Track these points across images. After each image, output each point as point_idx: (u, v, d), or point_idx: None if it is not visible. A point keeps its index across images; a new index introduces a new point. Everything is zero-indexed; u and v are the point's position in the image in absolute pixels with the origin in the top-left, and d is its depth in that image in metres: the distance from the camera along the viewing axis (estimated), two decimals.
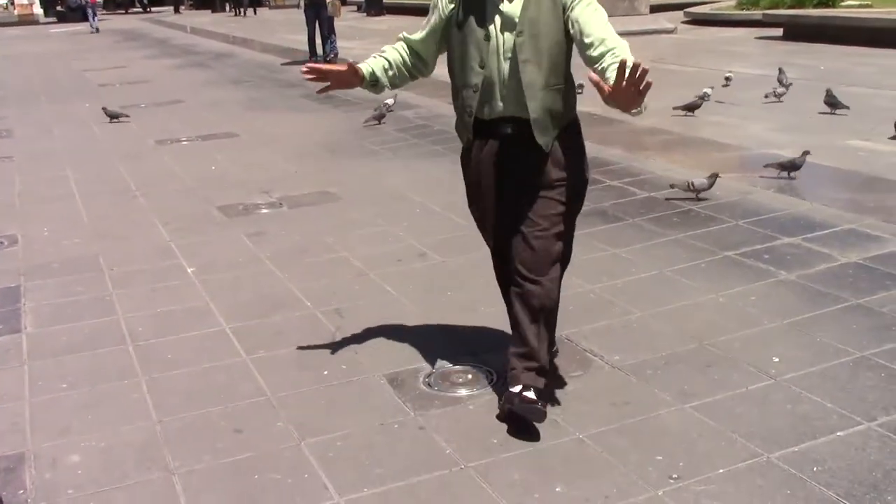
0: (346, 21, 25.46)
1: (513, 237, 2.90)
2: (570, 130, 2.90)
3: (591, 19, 2.63)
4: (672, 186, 5.44)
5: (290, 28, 24.30)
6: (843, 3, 18.40)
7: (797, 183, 5.75)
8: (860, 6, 18.26)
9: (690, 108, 8.25)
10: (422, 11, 20.38)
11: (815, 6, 17.77)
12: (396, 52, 3.02)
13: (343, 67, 2.94)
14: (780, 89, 9.05)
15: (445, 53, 2.95)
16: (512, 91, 2.75)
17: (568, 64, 2.81)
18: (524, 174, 2.85)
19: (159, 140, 8.61)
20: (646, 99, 2.38)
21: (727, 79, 10.10)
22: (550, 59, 2.72)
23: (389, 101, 9.09)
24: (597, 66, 2.55)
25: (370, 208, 5.78)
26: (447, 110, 9.26)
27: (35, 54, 21.16)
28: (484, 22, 2.73)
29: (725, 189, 5.64)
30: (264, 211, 5.89)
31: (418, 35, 2.97)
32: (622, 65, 2.27)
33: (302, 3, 15.50)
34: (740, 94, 9.59)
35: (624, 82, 2.28)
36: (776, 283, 4.08)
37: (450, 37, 2.86)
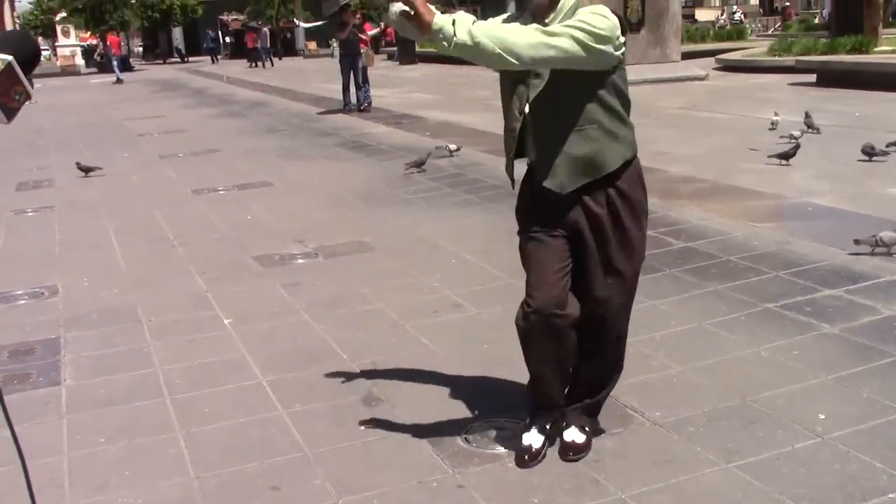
0: (379, 70, 25.84)
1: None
2: (613, 180, 2.83)
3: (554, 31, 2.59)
4: (857, 242, 5.13)
5: (324, 77, 24.67)
6: (875, 49, 18.35)
7: (837, 233, 5.67)
8: (893, 52, 18.19)
9: (786, 156, 7.91)
10: (453, 60, 20.75)
11: (848, 52, 17.74)
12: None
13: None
14: (796, 132, 9.05)
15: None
16: (538, 134, 2.80)
17: (596, 104, 2.71)
18: (580, 220, 2.83)
19: (196, 189, 8.72)
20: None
21: (773, 123, 10.00)
22: (566, 101, 2.71)
23: (453, 146, 9.20)
24: None
25: (405, 258, 5.79)
26: (481, 158, 9.33)
27: (76, 104, 21.66)
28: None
29: (763, 239, 5.58)
30: (300, 261, 5.92)
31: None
32: None
33: (337, 54, 15.78)
34: (777, 140, 9.52)
35: None
36: (819, 336, 4.01)
37: (500, 78, 2.91)
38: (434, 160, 9.47)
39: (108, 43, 38.30)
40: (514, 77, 2.78)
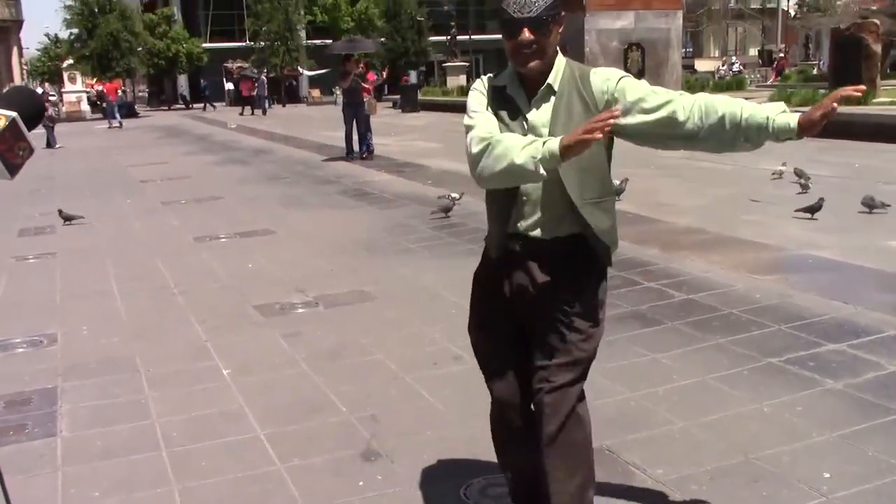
0: (382, 117, 26.04)
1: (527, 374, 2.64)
2: (597, 256, 2.61)
3: (648, 92, 2.47)
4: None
5: (327, 124, 24.88)
6: (874, 101, 18.49)
7: (840, 286, 5.67)
8: (892, 103, 18.34)
9: (811, 210, 7.79)
10: (455, 108, 21.36)
11: (847, 103, 17.85)
12: None
13: None
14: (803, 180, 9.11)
15: None
16: (542, 207, 2.52)
17: (607, 175, 2.61)
18: (547, 299, 2.58)
19: (198, 237, 8.74)
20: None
21: (777, 173, 10.01)
22: (583, 170, 2.48)
23: (455, 195, 9.18)
24: (717, 125, 2.43)
25: (406, 308, 5.77)
26: (483, 208, 9.34)
27: (81, 150, 21.83)
28: (513, 130, 2.49)
29: (765, 292, 5.56)
30: (300, 310, 5.90)
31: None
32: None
33: (340, 101, 15.96)
34: (776, 191, 9.57)
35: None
36: (823, 392, 3.97)
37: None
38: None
39: (105, 89, 38.70)
40: None
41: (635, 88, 2.48)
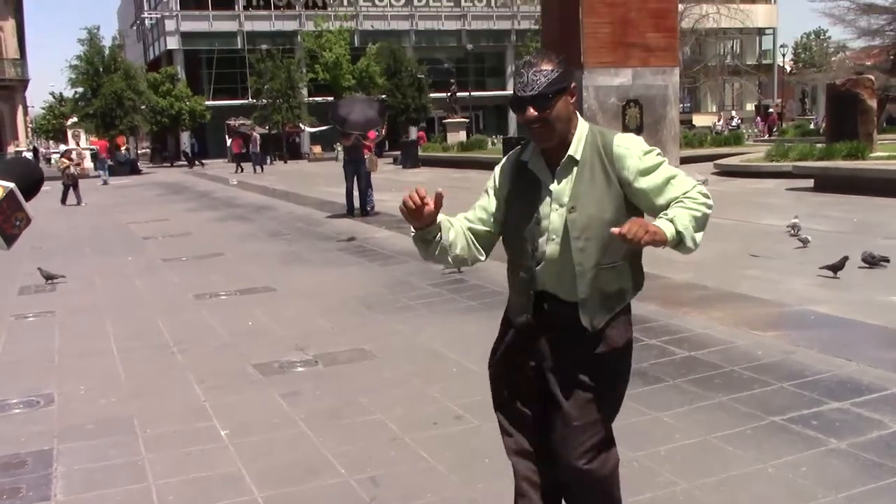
0: (383, 174, 26.16)
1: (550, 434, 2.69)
2: (618, 316, 2.65)
3: (653, 188, 2.55)
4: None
5: (328, 181, 25.06)
6: (871, 155, 18.65)
7: (841, 343, 5.64)
8: (889, 158, 18.48)
9: (834, 268, 7.64)
10: (455, 164, 21.48)
11: (844, 158, 18.02)
12: (460, 223, 2.76)
13: (431, 204, 2.54)
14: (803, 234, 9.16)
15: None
16: (564, 272, 2.58)
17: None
18: (568, 364, 2.63)
19: (198, 294, 8.73)
20: (689, 238, 2.45)
21: (794, 227, 9.99)
22: (602, 238, 2.52)
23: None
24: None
25: (405, 367, 5.74)
26: (483, 264, 9.35)
27: (84, 207, 21.92)
28: (535, 203, 2.59)
29: (767, 348, 5.54)
30: (300, 369, 5.87)
31: (469, 216, 2.78)
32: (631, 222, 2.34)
33: (341, 158, 16.09)
34: (776, 246, 9.59)
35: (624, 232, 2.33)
36: (827, 451, 3.93)
37: (506, 217, 2.70)
38: (436, 266, 9.53)
39: (98, 147, 38.96)
40: (525, 212, 2.62)
41: (656, 175, 2.56)
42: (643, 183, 2.55)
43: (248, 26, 59.98)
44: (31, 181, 1.88)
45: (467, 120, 47.25)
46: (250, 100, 54.46)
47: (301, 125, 53.98)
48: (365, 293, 8.34)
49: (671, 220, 2.46)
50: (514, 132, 52.58)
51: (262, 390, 5.41)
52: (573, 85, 2.57)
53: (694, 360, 5.42)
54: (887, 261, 7.93)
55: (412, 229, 2.59)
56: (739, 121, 54.16)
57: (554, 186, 2.58)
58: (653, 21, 18.30)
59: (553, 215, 2.57)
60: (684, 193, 2.54)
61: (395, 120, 52.09)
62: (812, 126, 39.80)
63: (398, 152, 36.08)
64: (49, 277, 9.76)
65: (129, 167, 43.09)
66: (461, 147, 36.44)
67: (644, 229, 2.34)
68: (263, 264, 10.56)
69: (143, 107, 49.53)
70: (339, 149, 41.09)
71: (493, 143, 40.29)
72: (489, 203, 2.74)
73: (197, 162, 47.57)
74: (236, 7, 60.10)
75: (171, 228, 15.37)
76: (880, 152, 19.34)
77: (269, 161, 46.37)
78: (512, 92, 2.55)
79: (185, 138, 56.83)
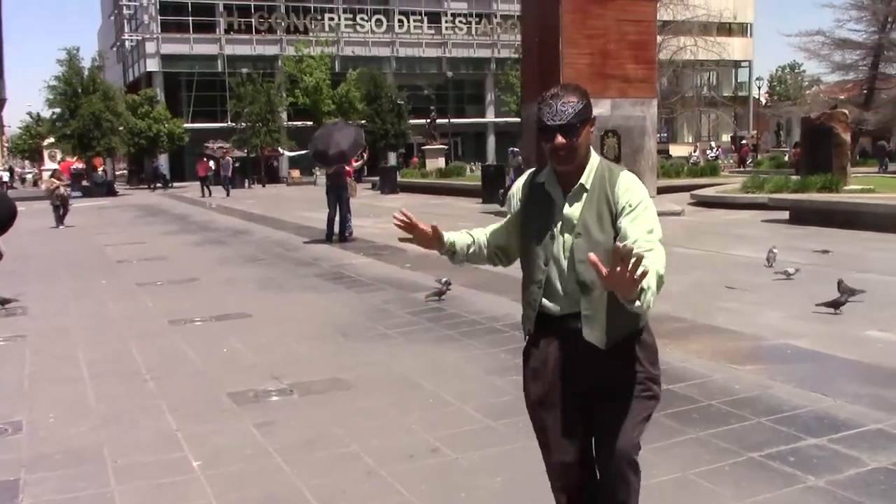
0: (361, 199, 26.14)
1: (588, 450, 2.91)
2: (637, 336, 2.84)
3: (633, 225, 2.68)
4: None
5: (306, 205, 25.00)
6: (844, 188, 18.90)
7: (818, 377, 5.66)
8: (862, 191, 18.73)
9: (836, 304, 7.57)
10: (433, 190, 21.52)
11: (819, 190, 18.24)
12: (483, 236, 3.15)
13: (428, 228, 3.01)
14: (791, 269, 9.19)
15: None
16: (574, 290, 2.79)
17: None
18: (595, 378, 2.83)
19: (173, 320, 8.62)
20: (649, 297, 2.44)
21: (771, 257, 10.11)
22: (607, 261, 2.50)
23: (445, 279, 9.22)
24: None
25: (382, 397, 5.68)
26: (460, 293, 9.31)
27: (58, 229, 21.67)
28: (548, 223, 2.83)
29: (744, 382, 5.54)
30: (274, 398, 5.79)
31: (493, 227, 3.15)
32: (616, 249, 2.34)
33: (320, 182, 16.06)
34: (752, 278, 9.64)
35: (618, 267, 2.31)
36: (805, 489, 3.91)
37: (521, 234, 2.96)
38: (413, 293, 9.50)
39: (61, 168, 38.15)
40: (538, 231, 2.85)
41: (642, 223, 2.68)
42: (625, 217, 2.72)
43: (229, 50, 60.06)
44: (2, 218, 1.84)
45: (446, 147, 47.40)
46: (229, 123, 54.36)
47: (280, 149, 53.92)
48: (342, 321, 8.28)
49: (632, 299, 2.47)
50: (493, 160, 52.84)
51: (236, 420, 5.33)
52: (594, 117, 2.81)
53: (671, 394, 5.39)
54: (861, 292, 7.96)
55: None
56: (719, 151, 54.68)
57: (566, 210, 2.81)
58: (632, 53, 18.52)
59: (564, 236, 2.81)
60: (650, 250, 2.55)
61: (374, 146, 52.17)
62: (787, 158, 40.26)
63: (377, 178, 36.08)
64: (3, 302, 9.58)
65: (105, 189, 42.79)
66: (440, 174, 36.53)
67: (625, 282, 2.34)
68: (239, 290, 10.47)
69: (121, 128, 49.28)
70: (318, 173, 41.08)
71: (472, 171, 40.41)
72: (512, 220, 3.01)
73: (157, 185, 47.33)
74: (217, 31, 60.18)
75: (147, 252, 15.23)
76: (853, 185, 19.61)
77: (247, 185, 46.25)
78: (538, 120, 2.75)
79: (164, 160, 56.58)
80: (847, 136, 20.50)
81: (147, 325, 8.45)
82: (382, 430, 5.01)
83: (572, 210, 2.80)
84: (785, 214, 16.43)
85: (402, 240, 3.07)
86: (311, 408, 5.54)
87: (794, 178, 20.96)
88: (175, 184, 50.66)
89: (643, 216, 2.71)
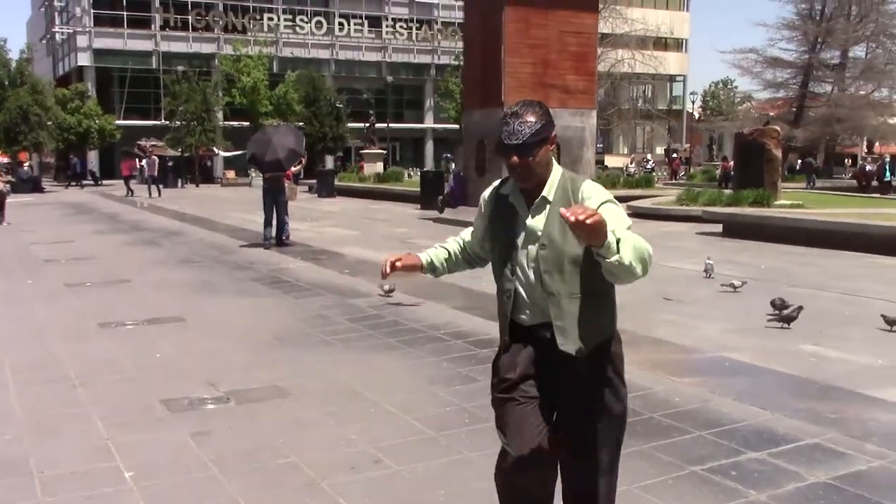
0: (298, 203, 25.88)
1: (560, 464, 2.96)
2: (606, 348, 2.94)
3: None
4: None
5: (241, 207, 24.62)
6: (775, 203, 19.36)
7: (756, 391, 5.73)
8: (792, 206, 19.22)
9: (787, 319, 7.63)
10: (371, 195, 21.43)
11: (751, 204, 18.65)
12: (456, 245, 3.26)
13: (412, 262, 3.16)
14: (738, 282, 9.35)
15: None
16: (541, 299, 2.85)
17: (600, 279, 2.76)
18: (563, 386, 2.89)
19: (102, 323, 8.35)
20: (624, 248, 2.56)
21: (708, 269, 10.35)
22: (571, 271, 2.81)
23: (387, 287, 9.28)
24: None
25: (322, 406, 5.56)
26: (401, 300, 9.21)
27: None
28: (513, 235, 2.89)
29: (685, 396, 5.58)
30: (210, 406, 5.62)
31: (469, 231, 3.24)
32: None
33: (255, 183, 15.78)
34: (689, 290, 9.77)
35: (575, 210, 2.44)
36: (746, 503, 3.94)
37: (490, 246, 3.03)
38: (352, 300, 9.39)
39: None
40: (504, 242, 2.92)
41: (611, 217, 2.67)
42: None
43: (164, 46, 58.91)
44: None
45: (385, 151, 47.27)
46: (163, 121, 53.30)
47: (215, 149, 53.06)
48: (279, 326, 8.12)
49: (612, 231, 2.58)
50: (431, 166, 52.87)
51: (170, 429, 5.16)
52: (553, 134, 2.83)
53: None
54: (798, 308, 8.05)
55: None
56: (655, 164, 55.65)
57: (529, 221, 2.86)
58: (573, 64, 18.70)
59: (529, 247, 2.86)
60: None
61: (311, 148, 51.69)
62: (719, 171, 41.17)
63: (314, 181, 35.72)
64: None
65: (31, 185, 41.46)
66: (378, 178, 36.38)
67: (586, 211, 2.45)
68: (173, 293, 10.20)
69: (49, 123, 47.88)
70: (254, 175, 40.47)
71: (410, 176, 40.36)
72: (479, 228, 3.10)
73: (72, 183, 46.00)
74: (153, 27, 59.00)
75: (76, 251, 14.77)
76: (784, 200, 20.10)
77: (180, 184, 45.36)
78: (498, 137, 2.81)
79: (94, 157, 55.20)
80: (778, 153, 21.03)
81: (75, 329, 8.16)
82: (323, 441, 4.90)
83: (535, 222, 2.85)
84: (719, 227, 16.75)
85: (385, 276, 3.17)
86: (249, 417, 5.39)
87: (727, 191, 21.41)
88: (105, 181, 49.43)
89: (610, 211, 2.73)
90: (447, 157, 56.50)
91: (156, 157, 38.61)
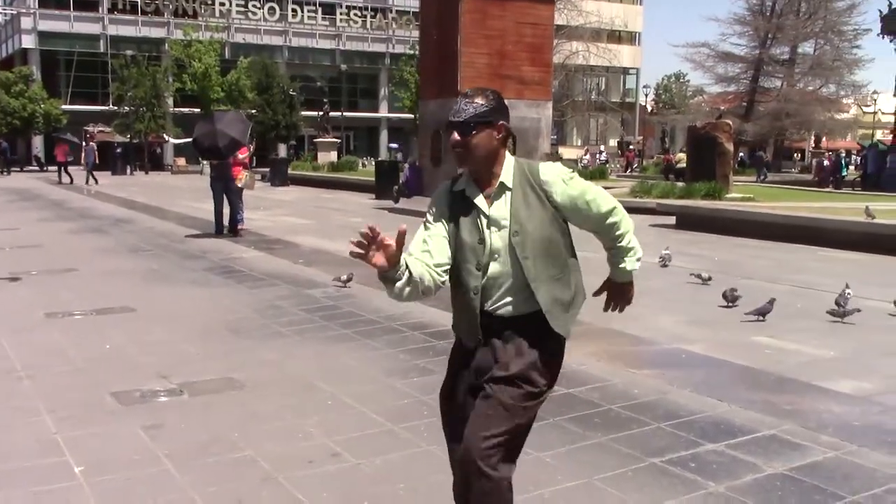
0: (250, 192, 25.52)
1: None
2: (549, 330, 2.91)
3: (582, 209, 2.81)
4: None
5: (192, 195, 24.24)
6: (726, 196, 19.63)
7: (713, 383, 5.77)
8: (743, 199, 19.50)
9: (762, 312, 7.68)
10: (325, 184, 21.13)
11: (703, 197, 18.88)
12: (419, 264, 2.77)
13: (393, 241, 2.59)
14: (706, 274, 9.44)
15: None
16: (515, 288, 2.81)
17: (569, 252, 2.90)
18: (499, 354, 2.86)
19: (49, 312, 8.13)
20: (634, 257, 3.00)
21: (663, 257, 10.64)
22: (548, 253, 2.82)
23: (343, 278, 9.31)
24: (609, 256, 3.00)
25: (277, 399, 5.47)
26: (355, 290, 9.12)
27: None
28: (475, 227, 2.81)
29: (643, 387, 5.60)
30: (163, 399, 5.49)
31: (421, 248, 2.82)
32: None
33: (206, 171, 15.44)
34: (644, 282, 9.82)
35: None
36: (706, 495, 3.95)
37: (453, 245, 2.87)
38: (307, 290, 9.28)
39: None
40: (466, 238, 2.82)
41: (580, 197, 2.82)
42: (571, 203, 2.81)
43: (112, 30, 57.75)
44: None
45: (339, 140, 46.94)
46: (111, 106, 52.25)
47: (165, 136, 52.18)
48: (232, 317, 7.98)
49: (622, 267, 2.99)
50: (385, 155, 52.67)
51: (121, 422, 5.02)
52: (500, 122, 2.79)
53: (572, 398, 5.40)
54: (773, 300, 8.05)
55: (378, 271, 2.67)
56: (607, 156, 56.13)
57: (490, 211, 2.81)
58: (528, 55, 18.72)
59: (494, 237, 2.80)
60: (608, 217, 2.84)
61: (264, 136, 51.09)
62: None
63: (267, 169, 35.32)
64: None
65: None
66: (332, 167, 36.11)
67: (623, 299, 3.09)
68: (122, 282, 9.98)
69: None
70: (204, 163, 39.88)
71: (364, 165, 40.14)
72: (440, 228, 2.85)
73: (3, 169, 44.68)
74: (100, 9, 57.74)
75: (21, 239, 14.39)
76: (735, 193, 20.38)
77: (129, 171, 44.52)
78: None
79: (39, 142, 53.92)
80: (730, 146, 21.33)
81: (21, 319, 7.92)
82: (279, 434, 4.81)
83: (496, 210, 2.81)
84: (672, 220, 16.92)
85: (354, 255, 2.61)
86: (203, 409, 5.28)
87: (680, 184, 21.64)
88: (51, 168, 48.29)
89: (580, 195, 2.81)
90: (394, 148, 56.38)
91: (94, 145, 37.34)
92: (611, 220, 2.85)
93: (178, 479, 4.16)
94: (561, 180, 2.81)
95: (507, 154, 2.85)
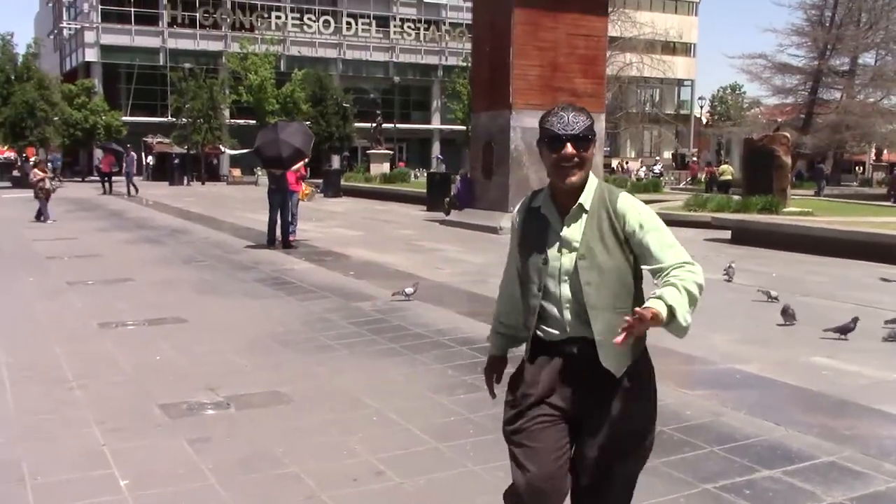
0: (302, 203, 25.75)
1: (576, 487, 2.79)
2: (640, 362, 2.80)
3: (651, 244, 2.68)
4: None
5: (247, 206, 24.54)
6: (784, 210, 19.20)
7: (768, 405, 5.59)
8: (801, 213, 19.06)
9: (844, 330, 7.42)
10: (377, 196, 21.08)
11: (759, 211, 18.49)
12: (507, 317, 3.02)
13: (501, 370, 3.11)
14: (774, 292, 9.20)
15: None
16: (575, 313, 2.72)
17: (637, 287, 2.76)
18: (590, 404, 2.73)
19: (103, 322, 8.24)
20: (682, 313, 2.54)
21: (727, 271, 10.55)
22: (613, 282, 2.70)
23: (409, 290, 9.27)
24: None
25: (323, 414, 5.44)
26: (405, 304, 9.10)
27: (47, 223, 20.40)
28: (543, 247, 2.76)
29: (695, 409, 5.45)
30: (210, 412, 5.50)
31: (505, 296, 3.00)
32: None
33: (262, 182, 15.57)
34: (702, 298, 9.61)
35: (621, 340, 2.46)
36: None
37: (519, 257, 2.85)
38: (356, 302, 9.28)
39: None
40: (533, 255, 2.77)
41: (663, 237, 2.71)
42: (642, 238, 2.69)
43: (172, 43, 58.97)
44: None
45: (391, 152, 47.15)
46: (170, 118, 53.25)
47: (221, 147, 52.97)
48: (282, 329, 8.00)
49: (660, 297, 2.54)
50: (436, 167, 52.77)
51: (168, 435, 5.04)
52: (595, 139, 2.76)
53: None
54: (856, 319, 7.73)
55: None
56: (663, 168, 55.46)
57: (564, 232, 2.74)
58: (581, 67, 18.55)
59: (563, 258, 2.72)
60: (676, 265, 2.65)
61: (318, 148, 51.50)
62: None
63: (320, 180, 35.60)
64: None
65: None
66: (384, 179, 36.26)
67: (642, 322, 2.45)
68: (175, 292, 10.09)
69: (55, 118, 47.83)
70: (260, 173, 40.33)
71: (416, 177, 40.23)
72: (512, 254, 2.92)
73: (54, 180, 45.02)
74: (160, 23, 59.02)
75: (79, 248, 14.68)
76: (793, 207, 19.93)
77: (186, 182, 45.25)
78: (547, 132, 2.70)
79: (100, 154, 55.06)
80: (788, 159, 20.84)
81: (75, 328, 8.05)
82: (324, 450, 4.78)
83: (570, 231, 2.73)
84: (727, 234, 16.60)
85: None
86: (249, 423, 5.27)
87: (736, 197, 21.23)
88: (91, 178, 49.32)
89: (653, 234, 2.70)
90: (438, 158, 56.40)
91: (134, 155, 37.37)
92: (682, 269, 2.65)
93: (222, 494, 4.14)
94: (637, 212, 2.71)
95: (591, 174, 2.78)
